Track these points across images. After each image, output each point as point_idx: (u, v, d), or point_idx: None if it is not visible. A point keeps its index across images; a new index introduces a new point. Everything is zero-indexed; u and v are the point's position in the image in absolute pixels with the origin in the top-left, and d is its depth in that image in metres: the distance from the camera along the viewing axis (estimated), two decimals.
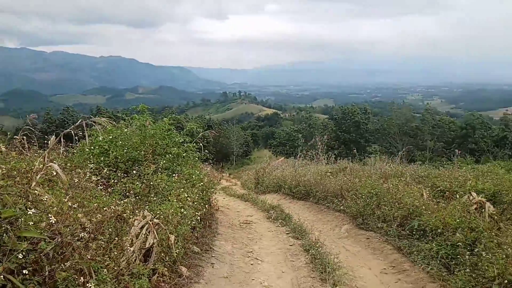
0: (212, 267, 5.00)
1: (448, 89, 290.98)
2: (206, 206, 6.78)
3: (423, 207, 6.26)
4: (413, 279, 4.91)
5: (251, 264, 5.45)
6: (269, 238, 7.01)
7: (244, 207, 10.82)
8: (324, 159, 14.23)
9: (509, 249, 4.33)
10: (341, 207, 8.46)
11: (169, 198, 5.03)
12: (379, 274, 5.23)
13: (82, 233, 3.07)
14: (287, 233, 7.23)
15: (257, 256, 5.81)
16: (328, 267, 4.81)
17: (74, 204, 3.37)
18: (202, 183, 6.29)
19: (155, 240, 4.00)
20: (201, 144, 7.54)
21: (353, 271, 5.23)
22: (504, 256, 4.20)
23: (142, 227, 4.14)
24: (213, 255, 5.43)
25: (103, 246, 3.27)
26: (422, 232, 5.81)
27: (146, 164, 5.92)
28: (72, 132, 4.63)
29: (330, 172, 11.32)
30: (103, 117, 11.94)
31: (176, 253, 4.16)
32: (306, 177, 11.41)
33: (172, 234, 4.25)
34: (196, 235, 5.76)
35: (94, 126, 5.77)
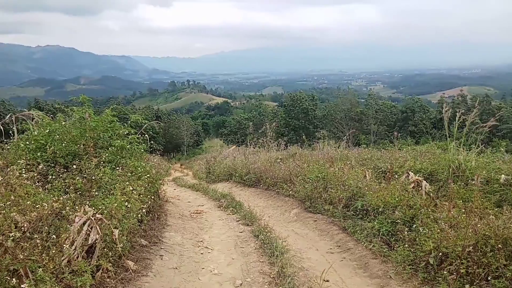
0: (161, 259, 4.93)
1: (389, 74, 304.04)
2: (154, 198, 6.65)
3: (366, 188, 6.53)
4: (356, 256, 5.14)
5: (201, 254, 5.44)
6: (219, 226, 7.02)
7: (195, 197, 10.75)
8: (275, 146, 14.42)
9: (443, 223, 4.64)
10: (290, 192, 8.64)
11: (113, 192, 4.87)
12: (326, 254, 5.42)
13: (15, 232, 2.89)
14: (238, 221, 7.28)
15: (208, 245, 5.81)
16: (277, 251, 4.91)
17: (5, 203, 3.17)
18: (148, 175, 6.14)
19: (98, 236, 3.88)
20: (146, 135, 7.35)
21: (301, 253, 5.38)
22: (439, 230, 4.49)
23: (84, 223, 4.00)
24: (162, 247, 5.36)
25: (40, 244, 3.11)
26: (365, 211, 6.07)
27: (87, 158, 5.69)
28: (1, 127, 4.33)
29: (280, 159, 11.51)
30: (41, 110, 11.27)
31: (121, 247, 4.06)
32: (257, 165, 11.52)
33: (117, 228, 4.13)
34: (143, 228, 5.65)
35: (28, 120, 5.44)
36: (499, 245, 3.86)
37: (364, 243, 5.31)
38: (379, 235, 5.30)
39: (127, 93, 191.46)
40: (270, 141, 14.81)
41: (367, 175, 7.43)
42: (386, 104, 55.35)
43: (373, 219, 5.73)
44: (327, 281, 4.48)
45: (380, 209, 5.70)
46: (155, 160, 8.41)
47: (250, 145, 17.82)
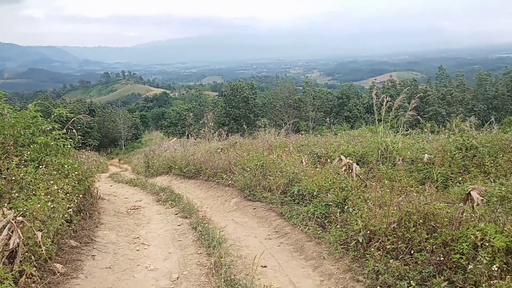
0: (93, 259, 4.71)
1: (325, 62, 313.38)
2: (85, 196, 6.33)
3: (302, 174, 6.70)
4: (293, 240, 5.27)
5: (137, 250, 5.28)
6: (157, 221, 6.86)
7: (133, 193, 10.42)
8: (216, 136, 14.34)
9: (371, 203, 4.88)
10: (230, 182, 8.66)
11: (37, 192, 4.55)
12: (264, 241, 5.51)
13: None
14: (176, 214, 7.16)
15: (144, 241, 5.65)
16: (214, 241, 4.89)
17: None
18: (77, 172, 5.81)
19: (19, 240, 3.62)
20: (74, 131, 6.92)
21: (240, 242, 5.42)
22: (367, 210, 4.72)
23: (3, 227, 3.71)
24: (94, 247, 5.12)
25: None
26: (301, 196, 6.23)
27: (7, 157, 5.26)
28: None
29: (220, 149, 11.47)
30: None
31: (46, 250, 3.81)
32: (196, 156, 11.40)
33: (41, 231, 3.88)
34: (73, 228, 5.36)
35: None
36: (421, 220, 4.14)
37: (300, 227, 5.46)
38: (314, 218, 5.47)
39: (57, 86, 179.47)
40: (211, 132, 14.70)
41: (303, 161, 7.62)
42: (323, 91, 57.15)
43: (308, 203, 5.90)
44: (265, 266, 4.55)
45: (315, 193, 5.88)
46: (85, 156, 7.98)
47: (191, 136, 17.58)
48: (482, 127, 7.87)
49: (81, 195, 5.81)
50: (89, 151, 10.48)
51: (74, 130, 7.11)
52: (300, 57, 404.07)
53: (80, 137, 7.14)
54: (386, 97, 8.05)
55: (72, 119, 7.12)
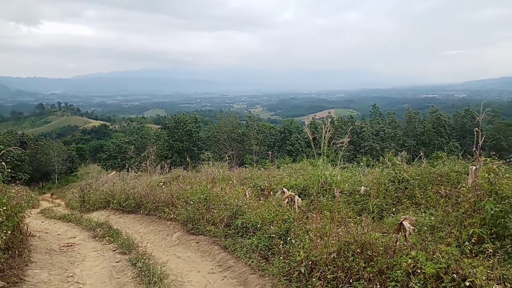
0: None
1: (267, 98, 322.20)
2: (14, 232, 5.87)
3: (246, 206, 6.74)
4: (237, 274, 5.23)
5: None
6: (93, 258, 6.49)
7: (66, 229, 9.79)
8: (158, 169, 14.02)
9: (313, 234, 5.02)
10: (173, 216, 8.45)
11: None
12: (207, 275, 5.41)
13: None
14: (114, 250, 6.83)
15: (79, 280, 5.31)
16: (155, 277, 4.72)
17: None
18: (5, 207, 5.40)
19: None
20: (3, 163, 6.48)
21: (182, 277, 5.27)
22: (309, 240, 4.84)
23: None
24: (24, 287, 4.73)
25: None
26: (245, 229, 6.24)
27: None
28: None
29: (163, 182, 11.21)
30: None
31: None
32: (137, 189, 11.04)
33: None
34: (0, 267, 4.93)
35: None
36: (358, 250, 4.32)
37: (244, 259, 5.44)
38: (257, 250, 5.49)
39: None
40: (152, 165, 14.36)
41: (247, 194, 7.68)
42: (266, 125, 58.56)
43: (252, 235, 5.92)
44: None
45: (259, 225, 5.93)
46: (15, 190, 7.44)
47: (131, 169, 17.03)
48: (412, 161, 8.46)
49: (9, 232, 5.39)
50: (18, 185, 9.75)
51: (3, 163, 6.67)
52: (243, 92, 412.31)
53: (9, 170, 6.69)
54: (326, 132, 8.44)
55: (2, 152, 6.69)
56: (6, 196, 6.08)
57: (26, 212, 7.26)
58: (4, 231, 5.04)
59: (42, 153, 52.15)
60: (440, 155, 7.83)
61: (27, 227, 7.27)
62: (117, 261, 6.12)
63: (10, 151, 7.96)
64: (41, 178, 52.06)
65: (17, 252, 5.79)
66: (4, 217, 5.36)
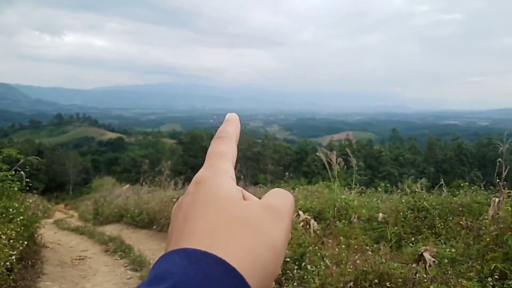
0: None
1: (284, 117, 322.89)
2: (28, 243, 5.89)
3: None
4: None
5: None
6: (104, 273, 6.44)
7: (79, 241, 9.79)
8: (172, 184, 14.04)
9: (328, 261, 4.90)
10: None
11: None
12: None
13: None
14: (126, 266, 6.78)
15: None
16: None
17: None
18: (22, 217, 5.44)
19: None
20: (22, 172, 6.57)
21: None
22: (324, 267, 4.72)
23: None
24: None
25: None
26: None
27: None
28: None
29: (176, 198, 11.17)
30: None
31: None
32: (150, 204, 11.04)
33: None
34: (13, 278, 4.92)
35: None
36: (376, 280, 4.18)
37: None
38: None
39: (5, 125, 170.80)
40: (166, 180, 14.41)
41: None
42: (282, 145, 58.51)
43: None
44: None
45: None
46: (31, 200, 7.52)
47: (145, 183, 17.10)
48: (432, 189, 8.28)
49: (25, 243, 5.41)
50: (35, 195, 9.89)
51: (22, 172, 6.76)
52: (259, 110, 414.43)
53: (27, 180, 6.77)
54: (338, 156, 8.35)
55: (21, 161, 6.79)
56: (23, 205, 6.14)
57: (41, 223, 7.31)
58: (20, 242, 5.06)
59: (58, 163, 52.92)
60: (461, 184, 7.63)
61: (41, 238, 7.30)
62: (128, 277, 6.06)
63: (29, 160, 8.05)
64: (56, 188, 52.68)
65: (30, 263, 5.80)
66: (21, 227, 5.39)
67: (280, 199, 0.49)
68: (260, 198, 0.50)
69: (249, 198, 0.51)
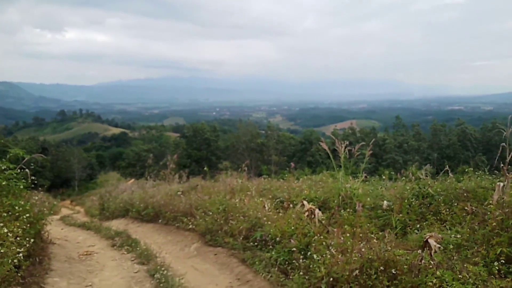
0: None
1: (287, 107, 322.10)
2: (35, 240, 5.94)
3: (265, 218, 6.67)
4: None
5: None
6: (112, 267, 6.50)
7: (85, 237, 9.86)
8: (176, 178, 14.07)
9: (333, 249, 4.91)
10: (191, 226, 8.43)
11: None
12: None
13: None
14: (133, 260, 6.83)
15: None
16: None
17: None
18: (28, 215, 5.48)
19: None
20: (27, 170, 6.61)
21: None
22: (329, 256, 4.73)
23: None
24: None
25: None
26: (264, 242, 6.16)
27: None
28: None
29: (181, 191, 11.23)
30: None
31: None
32: (156, 198, 11.08)
33: None
34: (21, 274, 4.97)
35: None
36: (382, 267, 4.19)
37: (263, 274, 5.35)
38: (276, 264, 5.40)
39: (8, 123, 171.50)
40: (171, 173, 14.43)
41: (266, 205, 7.60)
42: (285, 135, 58.39)
43: (271, 248, 5.83)
44: None
45: (278, 239, 5.84)
46: (37, 197, 7.58)
47: (150, 177, 17.16)
48: (437, 175, 8.24)
49: (32, 240, 5.45)
50: (40, 192, 9.95)
51: (27, 170, 6.79)
52: (262, 101, 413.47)
53: (33, 177, 6.81)
54: (345, 144, 8.33)
55: (26, 159, 6.82)
56: (29, 203, 6.18)
57: (48, 220, 7.36)
58: (27, 239, 5.10)
59: (63, 159, 53.21)
60: (466, 169, 7.60)
61: (48, 235, 7.36)
62: (135, 271, 6.12)
63: (33, 158, 8.12)
64: (62, 185, 53.04)
65: (37, 260, 5.85)
66: (27, 224, 5.43)
67: None
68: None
69: None
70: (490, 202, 5.17)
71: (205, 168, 14.57)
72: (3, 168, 6.03)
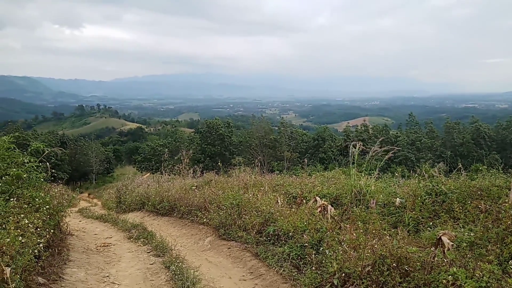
0: None
1: (300, 104, 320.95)
2: (55, 231, 6.13)
3: (278, 214, 6.73)
4: (268, 282, 5.22)
5: None
6: (128, 259, 6.66)
7: (103, 229, 10.11)
8: (190, 173, 14.24)
9: (346, 245, 4.95)
10: (205, 220, 8.56)
11: (6, 226, 4.41)
12: (238, 282, 5.43)
13: None
14: (149, 252, 6.99)
15: (114, 280, 5.46)
16: (188, 282, 4.79)
17: None
18: (48, 206, 5.66)
19: None
20: (47, 163, 6.80)
21: (214, 282, 5.32)
22: (342, 252, 4.77)
23: None
24: (62, 285, 4.92)
25: None
26: (277, 236, 6.23)
27: None
28: None
29: (195, 186, 11.38)
30: None
31: (14, 287, 3.66)
32: (171, 192, 11.26)
33: (9, 266, 3.73)
34: (41, 264, 5.15)
35: None
36: (394, 264, 4.21)
37: (275, 268, 5.43)
38: (289, 259, 5.46)
39: (28, 117, 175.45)
40: (185, 168, 14.60)
41: (279, 201, 7.67)
42: (298, 132, 58.25)
43: (284, 243, 5.90)
44: None
45: (291, 234, 5.90)
46: (57, 190, 7.79)
47: (165, 172, 17.39)
48: (450, 173, 8.17)
49: (51, 231, 5.63)
50: (59, 184, 10.21)
51: (47, 163, 6.99)
52: (276, 98, 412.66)
53: (52, 170, 7.01)
54: (359, 141, 8.32)
55: (46, 152, 7.02)
56: (48, 195, 6.37)
57: (67, 212, 7.57)
58: (47, 230, 5.27)
59: (81, 153, 54.20)
60: (479, 167, 7.51)
61: (66, 226, 7.56)
62: (151, 263, 6.26)
63: (53, 151, 8.34)
64: (80, 178, 54.02)
65: (56, 251, 6.03)
66: (47, 216, 5.61)
67: None
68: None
69: None
70: (505, 200, 5.13)
71: (219, 164, 14.72)
72: (24, 161, 6.23)
